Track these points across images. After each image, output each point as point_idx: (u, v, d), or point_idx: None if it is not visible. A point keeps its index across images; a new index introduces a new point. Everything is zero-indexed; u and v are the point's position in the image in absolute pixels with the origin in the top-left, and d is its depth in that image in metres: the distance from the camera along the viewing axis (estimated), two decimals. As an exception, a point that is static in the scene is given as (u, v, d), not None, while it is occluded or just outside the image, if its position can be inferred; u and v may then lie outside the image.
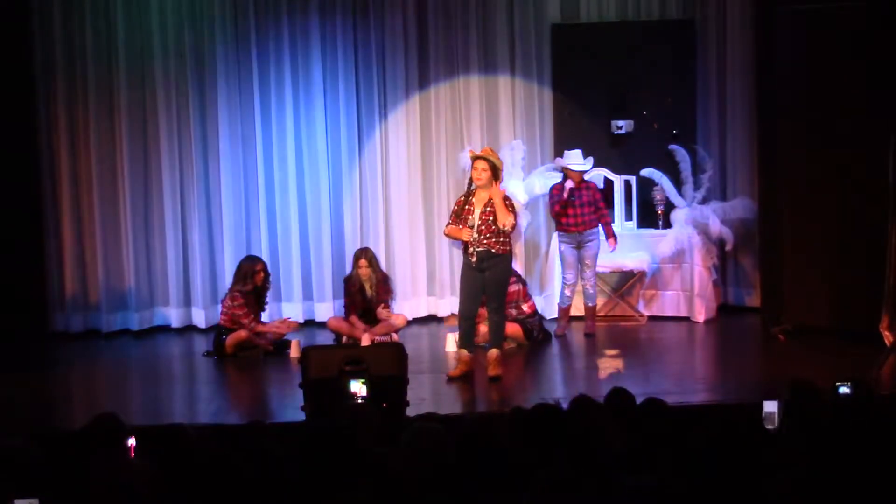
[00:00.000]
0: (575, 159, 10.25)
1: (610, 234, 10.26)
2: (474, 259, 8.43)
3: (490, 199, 8.40)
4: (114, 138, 11.07)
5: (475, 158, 8.50)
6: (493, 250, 8.41)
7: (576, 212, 10.18)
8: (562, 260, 10.41)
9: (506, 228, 8.39)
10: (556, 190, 10.32)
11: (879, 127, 9.30)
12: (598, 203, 10.24)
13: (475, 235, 8.39)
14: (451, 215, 8.71)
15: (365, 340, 9.73)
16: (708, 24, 11.37)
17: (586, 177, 10.51)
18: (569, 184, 10.15)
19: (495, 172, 8.45)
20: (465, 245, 8.49)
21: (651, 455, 4.64)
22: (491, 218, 8.37)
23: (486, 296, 8.58)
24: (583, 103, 11.42)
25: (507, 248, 8.46)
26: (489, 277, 8.45)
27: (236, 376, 9.51)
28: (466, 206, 8.51)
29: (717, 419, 4.62)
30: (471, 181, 8.57)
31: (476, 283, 8.49)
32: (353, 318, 10.06)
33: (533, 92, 11.46)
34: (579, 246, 10.26)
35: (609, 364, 9.39)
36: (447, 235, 8.87)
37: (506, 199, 8.52)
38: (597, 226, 10.24)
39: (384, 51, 11.33)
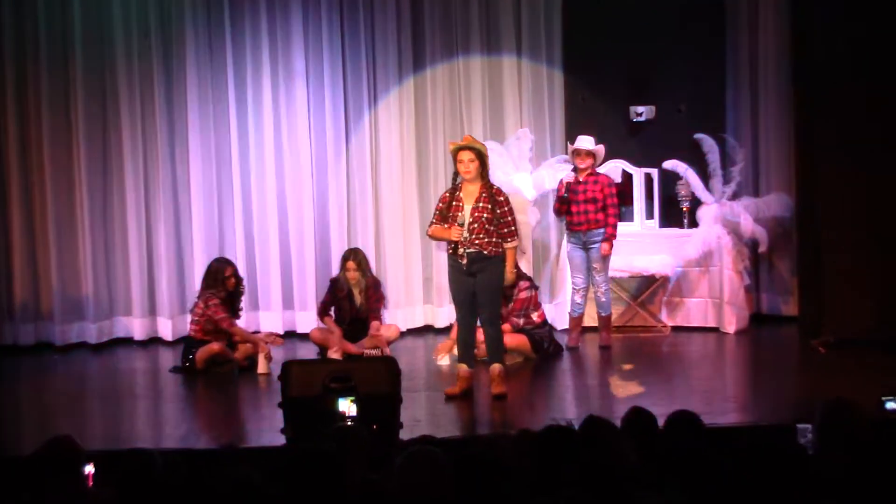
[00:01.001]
0: (584, 143, 10.23)
1: (607, 237, 10.15)
2: (464, 261, 8.38)
3: (481, 194, 8.37)
4: (69, 129, 11.08)
5: (459, 149, 8.45)
6: (485, 252, 8.37)
7: (578, 208, 10.16)
8: (569, 262, 10.41)
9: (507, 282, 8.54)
10: (561, 185, 10.33)
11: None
12: (608, 199, 10.16)
13: (465, 234, 8.36)
14: (434, 214, 8.64)
15: (336, 352, 9.72)
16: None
17: (602, 169, 10.50)
18: (567, 177, 10.15)
19: (482, 161, 8.43)
20: (453, 246, 8.41)
21: (674, 480, 4.63)
22: (484, 215, 8.33)
23: (479, 305, 8.54)
24: (598, 87, 11.43)
25: (501, 249, 8.44)
26: (481, 283, 8.41)
27: (208, 394, 9.48)
28: (454, 203, 8.46)
29: (749, 442, 4.61)
30: (455, 175, 8.54)
31: (467, 288, 8.45)
32: (328, 321, 10.04)
33: (542, 74, 11.47)
34: (585, 247, 10.25)
35: (627, 381, 9.38)
36: (431, 237, 8.81)
37: (498, 192, 8.48)
38: (605, 225, 10.20)
39: (374, 29, 11.34)
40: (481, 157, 8.39)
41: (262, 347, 9.73)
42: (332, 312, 10.18)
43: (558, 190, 10.32)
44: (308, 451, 4.69)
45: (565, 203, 10.18)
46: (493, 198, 8.38)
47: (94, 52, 11.05)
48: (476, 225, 8.34)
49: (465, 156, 8.37)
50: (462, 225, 8.34)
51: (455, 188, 8.52)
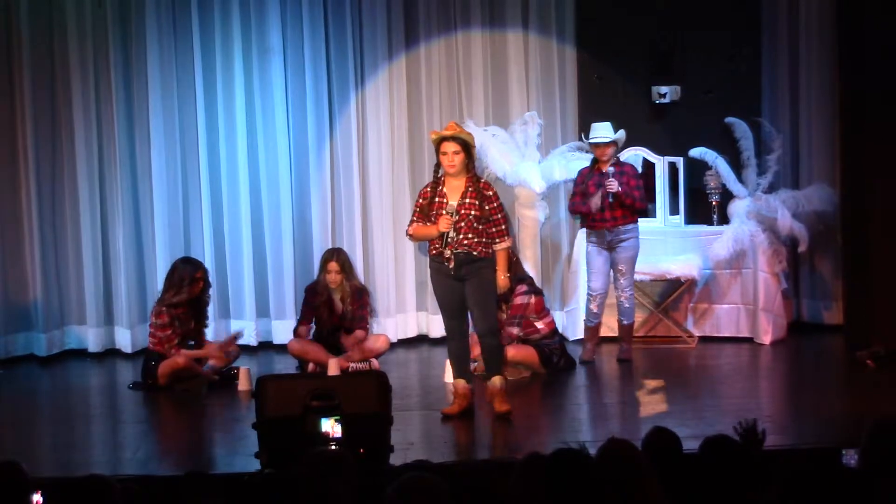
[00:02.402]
0: (602, 132, 10.23)
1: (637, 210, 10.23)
2: (451, 264, 8.37)
3: (468, 188, 8.36)
4: (13, 112, 11.09)
5: (442, 140, 8.42)
6: (474, 253, 8.35)
7: (603, 203, 10.17)
8: (588, 264, 10.42)
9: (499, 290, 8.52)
10: (581, 177, 10.33)
11: None
12: (634, 191, 10.19)
13: (452, 234, 8.34)
14: (413, 211, 8.63)
15: (333, 368, 9.70)
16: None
17: (622, 156, 10.51)
18: (612, 186, 10.04)
19: (468, 152, 8.42)
20: (438, 246, 8.37)
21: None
22: (472, 212, 8.31)
23: (473, 317, 8.54)
24: (615, 65, 11.45)
25: (491, 250, 8.43)
26: (472, 288, 8.40)
27: (172, 414, 9.49)
28: (436, 199, 8.45)
29: (789, 467, 4.61)
30: (437, 167, 8.54)
31: (455, 293, 8.44)
32: (303, 330, 10.08)
33: (552, 50, 11.49)
34: (610, 247, 10.25)
35: (649, 398, 9.39)
36: (412, 237, 8.78)
37: (486, 186, 8.48)
38: (634, 220, 10.21)
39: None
40: (467, 149, 8.38)
41: (220, 358, 9.77)
42: (310, 325, 10.16)
43: (579, 183, 10.30)
44: (285, 479, 4.69)
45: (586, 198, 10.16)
46: (481, 192, 8.38)
47: (40, 22, 11.05)
48: (463, 223, 8.33)
49: (450, 147, 8.36)
50: (451, 214, 8.31)
51: (437, 182, 8.52)
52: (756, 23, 11.44)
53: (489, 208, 8.37)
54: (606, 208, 10.12)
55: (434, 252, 8.45)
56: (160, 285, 10.54)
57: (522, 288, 9.79)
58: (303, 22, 11.30)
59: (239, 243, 11.35)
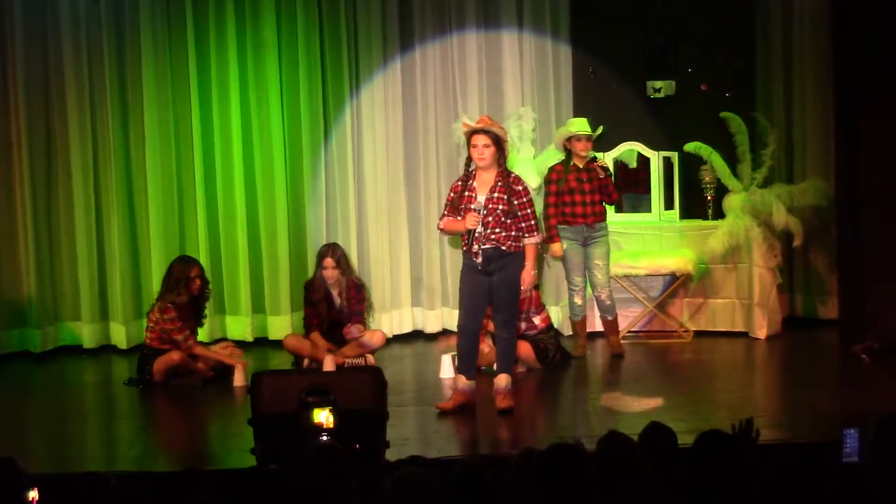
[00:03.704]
0: (582, 127, 10.24)
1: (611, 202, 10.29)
2: (479, 259, 8.35)
3: (497, 183, 8.36)
4: (7, 109, 11.06)
5: (473, 133, 8.44)
6: (503, 247, 8.34)
7: (585, 199, 10.18)
8: (566, 261, 10.40)
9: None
10: (555, 174, 10.32)
11: None
12: (608, 188, 10.21)
13: (480, 229, 8.35)
14: (445, 205, 8.62)
15: (329, 364, 9.71)
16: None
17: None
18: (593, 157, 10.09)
19: (500, 146, 8.42)
20: (468, 242, 8.38)
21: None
22: (500, 207, 8.30)
23: (493, 306, 8.54)
24: (609, 59, 11.47)
25: (521, 245, 8.42)
26: (498, 282, 8.38)
27: (167, 410, 9.50)
28: (466, 193, 8.43)
29: (784, 462, 4.62)
30: (468, 161, 8.54)
31: (481, 289, 8.42)
32: (315, 336, 10.04)
33: (546, 47, 11.50)
34: (585, 243, 10.26)
35: (644, 393, 9.40)
36: (444, 231, 8.75)
37: (516, 181, 8.46)
38: (605, 216, 10.26)
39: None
40: (498, 143, 8.35)
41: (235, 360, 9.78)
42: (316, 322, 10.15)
43: (553, 181, 10.27)
44: (281, 474, 4.69)
45: (574, 192, 10.17)
46: (510, 187, 8.34)
47: (35, 20, 11.04)
48: (491, 218, 8.30)
49: (480, 140, 8.34)
50: (478, 211, 8.29)
51: (468, 176, 8.50)
52: (750, 16, 11.45)
53: (518, 203, 8.34)
54: (588, 203, 10.14)
55: (464, 248, 8.46)
56: (155, 281, 10.56)
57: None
58: (297, 17, 11.28)
59: (234, 238, 11.34)
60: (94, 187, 11.21)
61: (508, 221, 8.32)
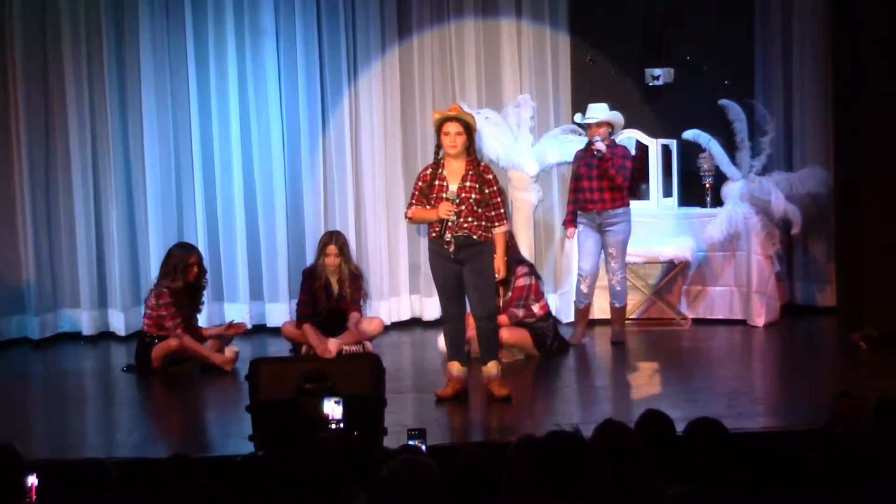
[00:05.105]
0: (594, 113, 10.22)
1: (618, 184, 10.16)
2: (451, 247, 8.34)
3: (468, 171, 8.34)
4: (5, 95, 11.06)
5: (445, 120, 8.37)
6: (474, 236, 8.33)
7: (591, 185, 10.18)
8: (579, 245, 10.42)
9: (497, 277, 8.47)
10: (574, 161, 10.36)
11: None
12: (622, 162, 10.11)
13: (453, 218, 8.35)
14: (413, 194, 8.55)
15: (333, 345, 9.61)
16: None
17: (618, 140, 10.51)
18: (599, 145, 10.02)
19: (470, 135, 8.38)
20: (438, 229, 8.33)
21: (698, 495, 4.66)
22: (472, 196, 8.28)
23: (470, 302, 8.52)
24: (608, 47, 11.47)
25: (491, 234, 8.44)
26: (470, 272, 8.37)
27: (166, 397, 9.51)
28: (436, 182, 8.42)
29: (782, 450, 4.64)
30: (438, 148, 8.51)
31: (454, 277, 8.40)
32: (307, 327, 9.92)
33: (545, 35, 11.50)
34: (600, 230, 10.26)
35: (642, 380, 9.41)
36: (412, 220, 8.70)
37: (486, 170, 8.45)
38: (625, 204, 10.21)
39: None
40: (469, 131, 8.35)
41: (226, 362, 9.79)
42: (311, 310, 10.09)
43: (574, 167, 10.31)
44: (279, 461, 4.70)
45: (582, 178, 10.16)
46: (481, 176, 8.35)
47: (33, 4, 11.04)
48: (464, 207, 8.30)
49: (452, 128, 8.32)
50: (452, 201, 8.29)
51: (437, 164, 8.48)
52: (749, 3, 11.45)
53: (489, 192, 8.33)
54: (595, 189, 10.13)
55: (434, 235, 8.40)
56: (154, 267, 10.56)
57: (524, 269, 9.82)
58: (294, 3, 11.28)
59: (232, 226, 11.35)
60: (93, 173, 11.21)
61: (480, 210, 8.32)
